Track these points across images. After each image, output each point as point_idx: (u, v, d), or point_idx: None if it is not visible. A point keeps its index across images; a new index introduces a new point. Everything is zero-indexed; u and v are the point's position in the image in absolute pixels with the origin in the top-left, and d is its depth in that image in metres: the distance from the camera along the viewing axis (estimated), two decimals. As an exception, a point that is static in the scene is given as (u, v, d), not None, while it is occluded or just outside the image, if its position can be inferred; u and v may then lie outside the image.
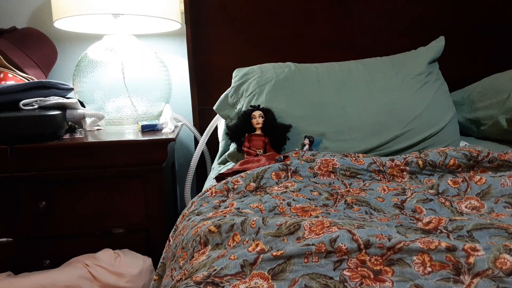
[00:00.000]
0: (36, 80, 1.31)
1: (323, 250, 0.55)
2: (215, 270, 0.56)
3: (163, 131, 1.33)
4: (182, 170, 1.76)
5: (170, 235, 0.82)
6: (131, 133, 1.30)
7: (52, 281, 1.09)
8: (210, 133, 1.43)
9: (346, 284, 0.51)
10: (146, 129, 1.32)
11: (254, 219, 0.65)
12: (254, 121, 1.08)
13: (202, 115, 1.57)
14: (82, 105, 1.38)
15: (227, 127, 1.17)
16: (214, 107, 1.28)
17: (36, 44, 1.48)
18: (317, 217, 0.70)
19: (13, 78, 1.33)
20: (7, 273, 1.16)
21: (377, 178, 0.90)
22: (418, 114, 1.17)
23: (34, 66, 1.44)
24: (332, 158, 0.94)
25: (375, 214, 0.74)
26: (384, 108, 1.17)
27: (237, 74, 1.29)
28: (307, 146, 1.09)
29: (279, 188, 0.86)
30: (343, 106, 1.17)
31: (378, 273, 0.52)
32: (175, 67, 1.67)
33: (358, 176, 0.90)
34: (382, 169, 0.90)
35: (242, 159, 1.05)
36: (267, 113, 1.09)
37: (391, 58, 1.33)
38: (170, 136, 1.24)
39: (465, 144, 1.19)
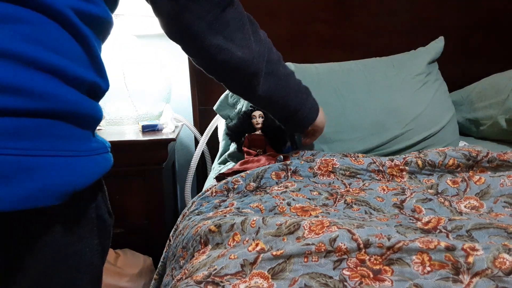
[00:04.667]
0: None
1: (322, 250, 0.55)
2: (215, 269, 0.56)
3: (164, 131, 1.33)
4: (182, 170, 1.76)
5: (170, 234, 0.82)
6: (131, 133, 1.30)
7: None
8: (210, 133, 1.43)
9: (345, 283, 0.51)
10: (147, 129, 1.32)
11: (254, 218, 0.66)
12: (254, 121, 1.08)
13: (202, 115, 1.57)
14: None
15: (227, 127, 1.17)
16: (214, 107, 1.28)
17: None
18: (316, 216, 0.70)
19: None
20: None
21: (377, 178, 0.90)
22: (417, 114, 1.17)
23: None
24: (331, 158, 0.94)
25: (375, 213, 0.74)
26: (384, 108, 1.17)
27: (237, 74, 1.29)
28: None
29: (279, 188, 0.86)
30: (343, 106, 1.17)
31: (377, 273, 0.52)
32: (175, 67, 1.67)
33: (358, 176, 0.90)
34: (382, 169, 0.91)
35: (242, 159, 1.06)
36: (267, 113, 1.09)
37: (391, 58, 1.33)
38: (171, 136, 1.24)
39: (465, 144, 1.19)
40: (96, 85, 0.49)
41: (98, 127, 1.39)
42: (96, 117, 0.49)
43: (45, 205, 0.41)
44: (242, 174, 0.91)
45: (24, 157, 0.39)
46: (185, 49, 0.75)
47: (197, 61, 0.78)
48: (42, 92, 0.40)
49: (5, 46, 0.38)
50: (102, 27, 0.51)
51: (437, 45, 1.33)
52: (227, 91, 1.28)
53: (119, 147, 1.18)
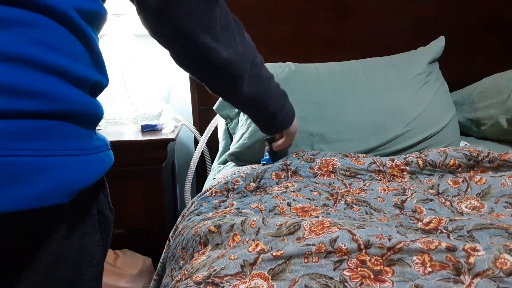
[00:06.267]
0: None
1: (323, 250, 0.55)
2: (215, 270, 0.56)
3: (163, 131, 1.33)
4: (182, 170, 1.76)
5: (170, 235, 0.82)
6: (131, 133, 1.30)
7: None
8: (210, 133, 1.43)
9: (346, 284, 0.51)
10: (146, 129, 1.32)
11: (254, 219, 0.65)
12: None
13: (202, 115, 1.56)
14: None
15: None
16: (214, 107, 1.28)
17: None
18: (317, 217, 0.70)
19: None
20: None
21: (377, 178, 0.89)
22: (418, 114, 1.16)
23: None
24: (332, 158, 0.93)
25: (375, 214, 0.74)
26: (384, 108, 1.17)
27: (237, 74, 1.29)
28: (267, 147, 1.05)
29: (279, 188, 0.86)
30: (343, 106, 1.17)
31: (378, 273, 0.52)
32: (175, 67, 1.67)
33: (358, 176, 0.90)
34: (382, 169, 0.90)
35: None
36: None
37: (391, 58, 1.33)
38: (170, 136, 1.24)
39: (465, 144, 1.18)
40: (98, 83, 0.50)
41: (97, 127, 1.39)
42: (99, 115, 0.50)
43: (56, 203, 0.42)
44: (242, 174, 0.91)
45: (37, 157, 0.40)
46: (168, 46, 0.72)
47: (179, 60, 0.75)
48: (52, 94, 0.41)
49: (15, 50, 0.39)
50: (100, 22, 0.52)
51: (438, 44, 1.33)
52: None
53: (119, 147, 1.18)
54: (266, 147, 1.05)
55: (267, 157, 1.04)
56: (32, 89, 0.40)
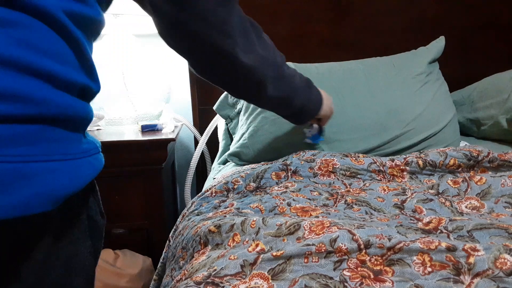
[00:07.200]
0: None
1: (323, 250, 0.55)
2: (215, 270, 0.56)
3: (163, 131, 1.33)
4: (182, 170, 1.76)
5: (170, 235, 0.82)
6: (131, 133, 1.30)
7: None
8: (210, 133, 1.43)
9: (346, 284, 0.51)
10: (146, 129, 1.32)
11: (254, 219, 0.65)
12: None
13: (202, 115, 1.56)
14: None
15: None
16: (214, 107, 1.28)
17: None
18: (317, 217, 0.70)
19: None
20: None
21: (377, 178, 0.90)
22: (418, 114, 1.17)
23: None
24: (332, 158, 0.93)
25: (375, 214, 0.74)
26: (384, 108, 1.17)
27: (237, 74, 1.29)
28: (314, 129, 1.03)
29: (279, 188, 0.86)
30: (343, 106, 1.17)
31: (378, 273, 0.52)
32: (175, 67, 1.67)
33: (358, 176, 0.90)
34: (382, 169, 0.90)
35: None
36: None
37: (391, 58, 1.33)
38: (170, 136, 1.24)
39: (465, 144, 1.19)
40: (87, 87, 0.48)
41: (97, 127, 1.39)
42: (88, 118, 0.49)
43: (41, 211, 0.41)
44: (242, 174, 0.91)
45: (20, 163, 0.39)
46: (187, 55, 0.70)
47: (200, 69, 0.72)
48: (35, 98, 0.40)
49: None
50: (94, 28, 0.50)
51: (438, 44, 1.33)
52: (227, 91, 1.27)
53: (119, 147, 1.18)
54: (314, 127, 1.02)
55: (316, 134, 1.03)
56: (14, 92, 0.38)
